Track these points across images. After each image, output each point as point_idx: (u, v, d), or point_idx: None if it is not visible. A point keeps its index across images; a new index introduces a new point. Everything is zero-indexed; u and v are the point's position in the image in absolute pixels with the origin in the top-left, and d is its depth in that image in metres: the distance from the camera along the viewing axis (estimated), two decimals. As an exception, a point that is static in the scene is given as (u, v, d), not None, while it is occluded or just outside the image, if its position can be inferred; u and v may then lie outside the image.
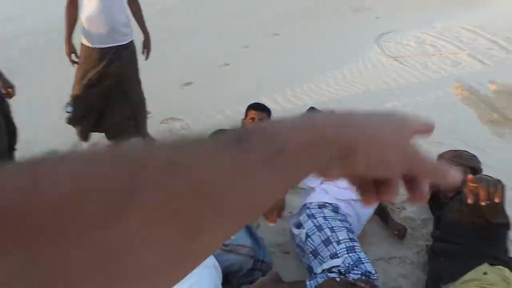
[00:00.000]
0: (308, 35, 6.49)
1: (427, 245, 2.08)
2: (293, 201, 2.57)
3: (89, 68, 2.77)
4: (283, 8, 8.12)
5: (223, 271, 1.70)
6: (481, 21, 6.37)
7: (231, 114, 4.01)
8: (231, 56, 5.64)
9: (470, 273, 1.63)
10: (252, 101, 4.26)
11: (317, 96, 4.30)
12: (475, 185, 1.46)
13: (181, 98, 4.42)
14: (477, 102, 3.83)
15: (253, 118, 2.39)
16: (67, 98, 3.00)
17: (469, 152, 2.17)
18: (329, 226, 1.84)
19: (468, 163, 2.07)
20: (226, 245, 1.76)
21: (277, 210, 1.80)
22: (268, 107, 2.60)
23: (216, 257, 1.70)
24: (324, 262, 1.74)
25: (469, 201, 1.49)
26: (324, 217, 1.91)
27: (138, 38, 3.06)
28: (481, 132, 3.30)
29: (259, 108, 2.47)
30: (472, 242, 1.85)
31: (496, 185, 1.44)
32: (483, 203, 1.45)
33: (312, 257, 1.82)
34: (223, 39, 6.41)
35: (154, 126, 3.68)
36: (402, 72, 4.77)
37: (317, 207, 2.00)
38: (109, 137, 3.10)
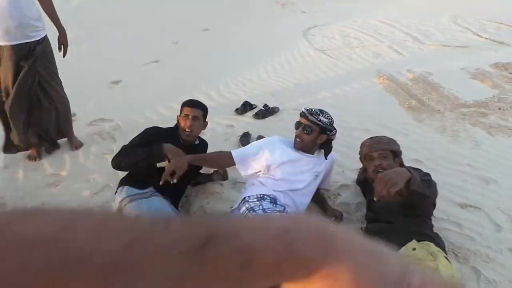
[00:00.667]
0: (237, 29, 6.50)
1: (361, 228, 2.20)
2: (232, 196, 2.57)
3: (1, 70, 2.49)
4: (211, 2, 8.04)
5: None
6: (396, 15, 6.89)
7: (163, 112, 3.86)
8: (160, 52, 5.44)
9: (400, 251, 1.74)
10: (185, 98, 4.18)
11: (250, 90, 4.32)
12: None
13: (109, 98, 4.16)
14: (397, 90, 4.14)
15: (187, 115, 2.34)
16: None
17: (387, 137, 2.31)
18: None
19: (388, 147, 2.20)
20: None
21: None
22: (203, 104, 2.54)
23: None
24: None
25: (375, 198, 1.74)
26: (263, 209, 1.91)
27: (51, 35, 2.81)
28: (402, 118, 3.57)
29: (194, 105, 2.41)
30: (400, 220, 1.99)
31: (390, 181, 1.65)
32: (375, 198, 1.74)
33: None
34: (151, 35, 6.17)
35: (81, 128, 3.42)
36: (329, 64, 4.98)
37: (255, 200, 2.00)
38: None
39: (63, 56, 2.90)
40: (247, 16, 7.44)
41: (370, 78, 4.47)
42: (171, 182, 1.88)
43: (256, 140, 3.20)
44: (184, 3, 7.78)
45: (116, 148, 3.15)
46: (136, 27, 6.48)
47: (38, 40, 2.58)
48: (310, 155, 2.21)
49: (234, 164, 2.12)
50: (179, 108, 3.87)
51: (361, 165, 2.67)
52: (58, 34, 2.81)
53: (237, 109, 3.74)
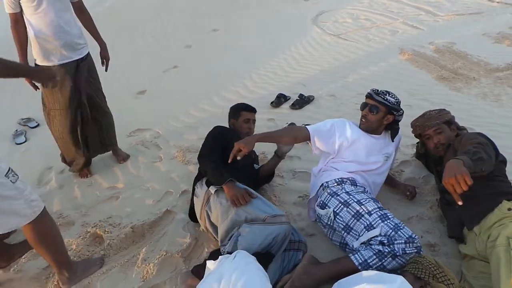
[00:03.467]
0: (244, 25, 6.48)
1: (436, 199, 2.20)
2: (296, 186, 2.58)
3: (58, 90, 2.50)
4: (211, 1, 8.01)
5: (267, 246, 1.68)
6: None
7: (197, 114, 3.86)
8: (176, 58, 5.44)
9: (493, 215, 1.73)
10: (215, 98, 4.19)
11: (277, 82, 4.31)
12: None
13: (139, 108, 4.16)
14: (425, 63, 4.12)
15: (248, 119, 2.46)
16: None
17: (434, 110, 2.27)
18: (355, 200, 1.86)
19: (440, 120, 2.18)
20: (263, 220, 1.75)
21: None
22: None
23: (260, 232, 1.65)
24: (360, 236, 1.75)
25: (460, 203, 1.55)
26: (347, 193, 1.92)
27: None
28: (439, 89, 3.56)
29: (252, 110, 2.52)
30: (480, 185, 1.95)
31: (457, 180, 1.50)
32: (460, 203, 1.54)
33: (345, 233, 1.82)
34: (163, 42, 6.16)
35: (122, 140, 3.42)
36: (348, 47, 4.97)
37: (335, 184, 2.00)
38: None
39: (106, 70, 2.90)
40: (250, 10, 7.41)
41: (394, 56, 4.45)
42: (238, 158, 1.86)
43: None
44: (189, 6, 7.76)
45: (164, 155, 3.17)
46: (147, 36, 6.48)
47: (82, 57, 2.59)
48: (378, 135, 2.20)
49: (309, 138, 2.11)
50: (210, 109, 3.96)
51: (414, 140, 2.67)
52: (99, 49, 2.82)
53: (272, 102, 3.73)
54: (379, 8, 6.26)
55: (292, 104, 3.64)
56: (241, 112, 2.48)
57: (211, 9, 7.67)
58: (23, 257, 2.19)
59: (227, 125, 2.57)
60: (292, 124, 3.21)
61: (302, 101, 3.63)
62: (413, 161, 2.62)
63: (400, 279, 1.29)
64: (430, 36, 4.80)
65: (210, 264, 1.58)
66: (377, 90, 2.21)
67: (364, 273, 1.37)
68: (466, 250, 1.75)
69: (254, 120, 2.52)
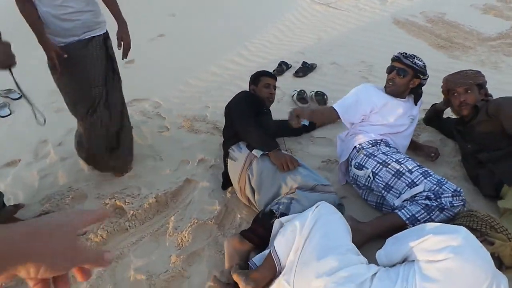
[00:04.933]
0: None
1: (458, 160, 2.28)
2: (317, 151, 2.57)
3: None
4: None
5: None
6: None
7: (196, 83, 3.72)
8: (162, 27, 5.16)
9: None
10: (212, 67, 4.04)
11: (274, 51, 4.22)
12: None
13: (130, 78, 3.92)
14: (420, 32, 4.18)
15: (268, 84, 2.44)
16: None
17: (472, 70, 2.31)
18: (394, 160, 1.88)
19: (473, 81, 2.22)
20: (312, 188, 1.77)
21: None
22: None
23: (313, 199, 1.69)
24: (402, 193, 1.79)
25: None
26: (384, 153, 1.94)
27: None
28: (438, 57, 3.64)
29: (272, 76, 2.52)
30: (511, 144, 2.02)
31: None
32: None
33: (385, 192, 1.85)
34: (144, 8, 5.82)
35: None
36: (340, 16, 4.94)
37: (370, 145, 2.01)
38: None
39: (122, 58, 2.39)
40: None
41: (388, 25, 4.48)
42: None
43: (299, 95, 3.17)
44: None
45: (170, 124, 3.05)
46: (125, 2, 6.08)
47: (103, 33, 2.24)
48: (403, 99, 2.22)
49: (339, 118, 2.10)
50: (209, 77, 3.83)
51: (425, 106, 2.73)
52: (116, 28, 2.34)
53: (274, 71, 3.66)
54: (365, -22, 6.22)
55: (295, 71, 3.59)
56: (261, 77, 2.48)
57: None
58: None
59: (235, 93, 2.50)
60: (302, 91, 3.17)
61: (306, 69, 3.58)
62: (428, 126, 2.69)
63: (463, 229, 1.32)
64: (419, 6, 4.86)
65: (283, 219, 1.60)
66: (405, 53, 2.21)
67: (427, 225, 1.40)
68: (506, 204, 1.80)
69: (274, 86, 2.50)
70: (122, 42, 2.29)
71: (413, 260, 1.35)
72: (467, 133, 2.21)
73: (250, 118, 2.06)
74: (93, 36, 2.15)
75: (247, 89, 2.55)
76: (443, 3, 4.86)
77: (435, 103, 2.58)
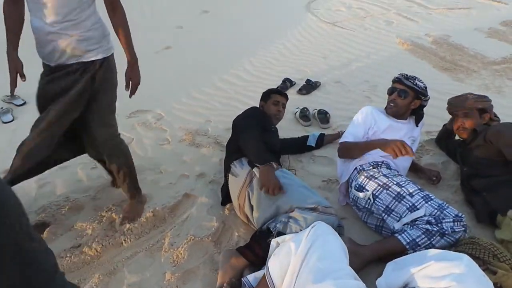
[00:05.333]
0: (236, 11, 6.33)
1: (460, 184, 2.25)
2: (318, 170, 2.55)
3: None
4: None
5: None
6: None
7: (199, 96, 3.72)
8: (168, 39, 5.22)
9: None
10: (217, 81, 4.06)
11: (278, 67, 4.24)
12: None
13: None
14: (425, 54, 4.20)
15: (277, 102, 2.47)
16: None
17: (474, 94, 2.29)
18: (395, 182, 1.85)
19: (474, 105, 2.20)
20: (313, 209, 1.75)
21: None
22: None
23: (312, 219, 1.67)
24: (402, 217, 1.75)
25: None
26: (385, 175, 1.91)
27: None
28: (442, 79, 3.64)
29: (283, 94, 2.55)
30: (504, 171, 2.02)
31: None
32: None
33: (385, 215, 1.82)
34: (152, 20, 5.90)
35: (122, 121, 3.24)
36: (346, 35, 4.98)
37: (371, 167, 1.99)
38: None
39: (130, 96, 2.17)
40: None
41: (393, 46, 4.51)
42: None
43: (301, 113, 3.17)
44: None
45: (171, 137, 3.04)
46: (133, 14, 6.17)
47: None
48: (404, 120, 2.22)
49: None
50: (212, 91, 3.83)
51: (429, 128, 2.73)
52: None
53: (278, 87, 3.66)
54: (370, -2, 6.31)
55: (299, 89, 3.60)
56: (272, 94, 2.51)
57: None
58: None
59: (243, 109, 2.51)
60: (304, 109, 3.16)
61: (310, 87, 3.59)
62: (430, 149, 2.67)
63: (466, 257, 1.29)
64: (425, 28, 4.90)
65: (279, 239, 1.58)
66: (406, 75, 2.21)
67: (429, 251, 1.37)
68: (502, 235, 1.78)
69: (284, 104, 2.52)
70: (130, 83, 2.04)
71: (414, 287, 1.31)
72: (465, 155, 2.20)
73: (254, 131, 2.05)
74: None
75: (252, 105, 2.56)
76: (448, 26, 4.90)
77: (446, 123, 2.58)
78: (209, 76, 4.08)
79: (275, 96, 2.48)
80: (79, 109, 1.91)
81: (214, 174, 2.55)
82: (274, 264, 1.51)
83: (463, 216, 1.68)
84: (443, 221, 1.64)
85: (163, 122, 3.30)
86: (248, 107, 2.50)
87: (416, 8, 5.68)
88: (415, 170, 2.36)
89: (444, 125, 2.59)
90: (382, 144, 1.89)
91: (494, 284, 1.30)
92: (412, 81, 2.16)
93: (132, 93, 2.10)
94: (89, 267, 1.94)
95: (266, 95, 2.52)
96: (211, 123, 3.23)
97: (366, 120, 2.14)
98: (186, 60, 4.58)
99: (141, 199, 2.31)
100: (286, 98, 2.56)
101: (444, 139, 2.57)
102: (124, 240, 2.07)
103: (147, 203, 2.31)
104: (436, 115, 2.96)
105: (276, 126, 2.53)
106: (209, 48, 4.88)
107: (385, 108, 2.24)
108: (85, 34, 1.82)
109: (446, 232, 1.63)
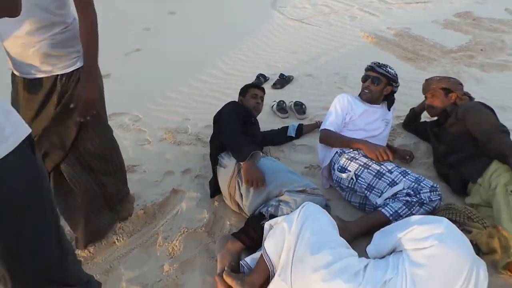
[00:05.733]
0: (202, 11, 6.36)
1: (431, 161, 2.43)
2: (299, 158, 2.66)
3: None
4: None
5: None
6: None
7: (174, 96, 3.74)
8: (138, 41, 5.17)
9: (492, 166, 1.95)
10: (190, 81, 4.09)
11: (250, 64, 4.33)
12: None
13: (108, 92, 3.88)
14: (388, 46, 4.43)
15: (256, 95, 2.56)
16: None
17: (438, 76, 2.51)
18: (374, 162, 1.99)
19: (437, 86, 2.41)
20: (303, 191, 1.86)
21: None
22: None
23: (301, 202, 1.76)
24: (383, 192, 1.89)
25: None
26: (364, 156, 2.04)
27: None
28: (406, 68, 3.87)
29: (260, 88, 2.64)
30: (476, 146, 2.18)
31: None
32: None
33: (368, 192, 1.95)
34: (119, 23, 5.81)
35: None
36: (313, 31, 5.14)
37: (351, 150, 2.12)
38: None
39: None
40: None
41: (358, 39, 4.72)
42: None
43: (278, 106, 3.28)
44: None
45: (151, 137, 3.05)
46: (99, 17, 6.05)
47: None
48: (377, 105, 2.37)
49: None
50: (187, 90, 3.86)
51: (398, 113, 2.92)
52: None
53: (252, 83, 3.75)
54: (333, -5, 6.54)
55: (273, 84, 3.71)
56: (249, 88, 2.60)
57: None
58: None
59: (219, 106, 2.57)
60: (281, 102, 3.27)
61: (283, 81, 3.70)
62: (401, 132, 2.85)
63: (445, 219, 1.43)
64: (386, 22, 5.16)
65: (272, 222, 1.65)
66: (379, 63, 2.37)
67: (411, 218, 1.50)
68: (472, 200, 1.96)
69: (262, 97, 2.61)
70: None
71: (401, 250, 1.44)
72: (440, 135, 2.38)
73: (235, 127, 2.12)
74: None
75: (231, 101, 2.61)
76: (408, 19, 5.19)
77: (413, 107, 2.77)
78: (183, 76, 4.10)
79: (253, 90, 2.58)
80: None
81: (199, 169, 2.59)
82: (269, 244, 1.60)
83: (437, 186, 1.84)
84: (421, 192, 1.79)
85: (141, 123, 3.30)
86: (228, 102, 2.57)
87: (377, 4, 5.96)
88: (392, 151, 2.52)
89: (411, 108, 2.78)
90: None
91: (470, 241, 1.44)
92: (384, 69, 2.32)
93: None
94: (84, 268, 1.94)
95: (244, 90, 2.61)
96: (190, 121, 3.26)
97: (343, 106, 2.27)
98: (158, 61, 4.56)
99: (129, 198, 2.32)
100: (263, 91, 2.65)
101: (412, 122, 2.76)
102: (117, 239, 2.07)
103: (136, 202, 2.33)
104: (403, 101, 3.16)
105: (261, 136, 2.62)
106: (179, 49, 4.88)
107: (359, 94, 2.39)
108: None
109: (424, 202, 1.78)
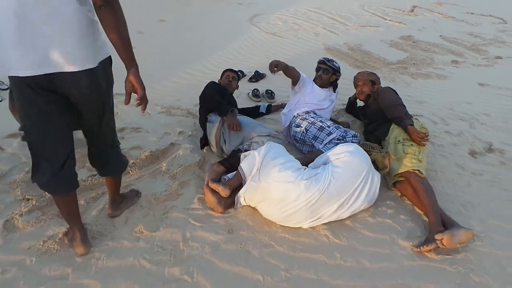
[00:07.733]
0: (190, 21, 7.23)
1: (362, 131, 3.36)
2: (272, 127, 3.51)
3: None
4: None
5: None
6: (318, 5, 8.37)
7: (168, 84, 4.51)
8: (132, 41, 5.90)
9: (391, 128, 2.89)
10: (181, 73, 4.88)
11: (233, 65, 5.16)
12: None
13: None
14: (343, 56, 5.45)
15: (228, 75, 3.36)
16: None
17: (368, 71, 3.48)
18: (319, 121, 2.88)
19: (367, 78, 3.36)
20: (268, 135, 2.70)
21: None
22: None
23: (266, 142, 2.57)
24: (323, 140, 2.77)
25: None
26: (312, 117, 2.94)
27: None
28: (355, 73, 4.85)
29: (231, 70, 3.45)
30: (386, 119, 3.13)
31: None
32: None
33: (313, 141, 2.82)
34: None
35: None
36: (284, 42, 6.11)
37: (304, 113, 3.01)
38: None
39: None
40: (193, 7, 8.16)
41: (320, 50, 5.72)
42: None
43: (253, 93, 4.14)
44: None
45: (151, 110, 3.80)
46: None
47: None
48: (326, 89, 3.28)
49: (299, 78, 3.10)
50: (177, 80, 4.67)
51: (345, 102, 3.85)
52: None
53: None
54: (302, 16, 7.62)
55: (250, 78, 4.58)
56: (225, 72, 3.43)
57: (156, 2, 8.21)
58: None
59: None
60: (255, 90, 4.14)
61: (258, 76, 4.59)
62: (344, 114, 3.79)
63: (355, 144, 2.32)
64: (343, 39, 6.22)
65: (246, 153, 2.47)
66: (328, 59, 3.29)
67: (335, 147, 2.38)
68: (383, 151, 2.88)
69: (234, 77, 3.38)
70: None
71: (328, 162, 2.30)
72: (364, 112, 3.31)
73: (217, 95, 2.96)
74: None
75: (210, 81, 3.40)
76: (361, 38, 6.27)
77: (350, 96, 3.71)
78: (174, 71, 4.89)
79: (227, 72, 3.41)
80: None
81: (191, 131, 3.38)
82: (244, 163, 2.41)
83: (358, 134, 2.75)
84: (347, 137, 2.69)
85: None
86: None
87: (338, 25, 7.07)
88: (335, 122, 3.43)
89: (349, 98, 3.73)
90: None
91: (371, 161, 2.33)
92: (331, 63, 3.24)
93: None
94: (105, 187, 2.66)
95: (222, 73, 3.45)
96: (181, 100, 4.05)
97: (307, 79, 3.16)
98: (153, 57, 5.33)
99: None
100: (236, 73, 3.44)
101: (350, 107, 3.70)
102: (130, 170, 2.81)
103: (141, 149, 3.07)
104: (348, 94, 4.11)
105: (237, 103, 3.44)
106: (170, 51, 5.67)
107: (314, 79, 3.29)
108: None
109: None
